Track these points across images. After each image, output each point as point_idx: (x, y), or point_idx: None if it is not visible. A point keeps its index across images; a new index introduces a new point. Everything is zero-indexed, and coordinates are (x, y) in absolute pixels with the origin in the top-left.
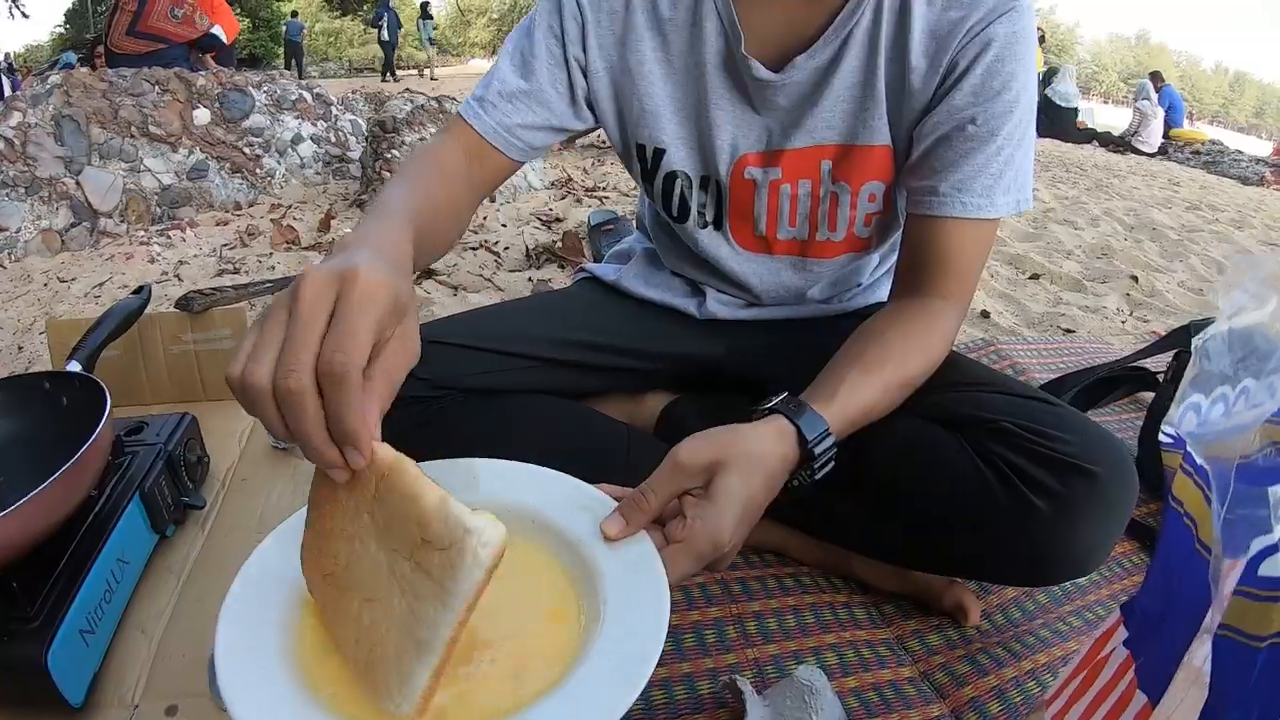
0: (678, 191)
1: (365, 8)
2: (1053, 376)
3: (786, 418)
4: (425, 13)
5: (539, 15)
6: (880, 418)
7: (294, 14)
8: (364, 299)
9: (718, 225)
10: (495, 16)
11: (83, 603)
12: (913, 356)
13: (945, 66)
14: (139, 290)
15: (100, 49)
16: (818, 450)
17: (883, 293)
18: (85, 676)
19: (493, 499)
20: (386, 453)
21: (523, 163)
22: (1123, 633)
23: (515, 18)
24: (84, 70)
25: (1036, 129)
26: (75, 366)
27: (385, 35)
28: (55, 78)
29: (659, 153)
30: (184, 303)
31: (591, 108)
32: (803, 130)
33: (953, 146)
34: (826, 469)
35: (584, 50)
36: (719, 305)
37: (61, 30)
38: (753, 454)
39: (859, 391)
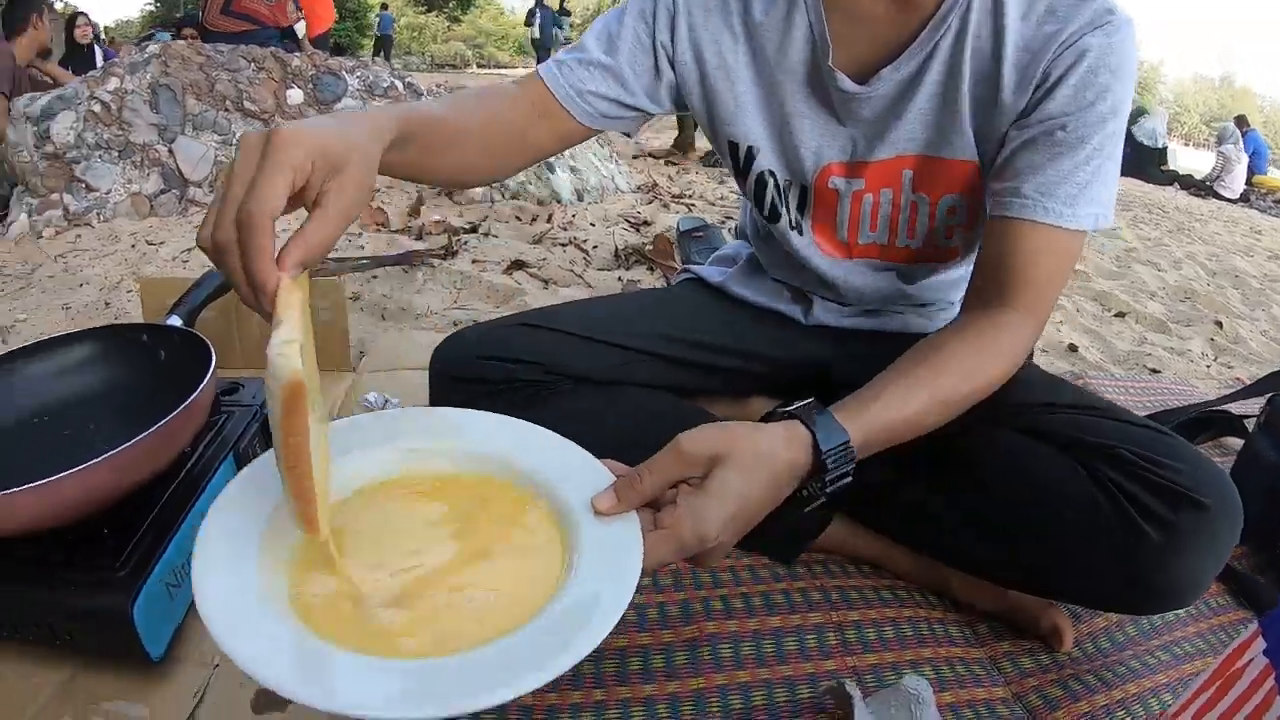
0: (769, 192)
1: (450, 5)
2: (1142, 415)
3: (803, 424)
4: (563, 8)
5: (632, 1)
6: (933, 429)
7: (384, 6)
8: (278, 152)
9: (802, 228)
10: (579, 20)
11: (171, 557)
12: (976, 370)
13: (1038, 78)
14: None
15: (188, 30)
16: (830, 463)
17: None
18: (167, 631)
19: (494, 458)
20: (288, 294)
21: (589, 130)
22: (1261, 644)
23: None
24: (181, 43)
25: (1120, 167)
26: (176, 321)
27: (537, 34)
28: (154, 47)
29: (751, 152)
30: None
31: (679, 98)
32: (886, 142)
33: (1040, 150)
34: (842, 483)
35: (673, 40)
36: (825, 312)
37: (151, 8)
38: (758, 453)
39: (898, 404)
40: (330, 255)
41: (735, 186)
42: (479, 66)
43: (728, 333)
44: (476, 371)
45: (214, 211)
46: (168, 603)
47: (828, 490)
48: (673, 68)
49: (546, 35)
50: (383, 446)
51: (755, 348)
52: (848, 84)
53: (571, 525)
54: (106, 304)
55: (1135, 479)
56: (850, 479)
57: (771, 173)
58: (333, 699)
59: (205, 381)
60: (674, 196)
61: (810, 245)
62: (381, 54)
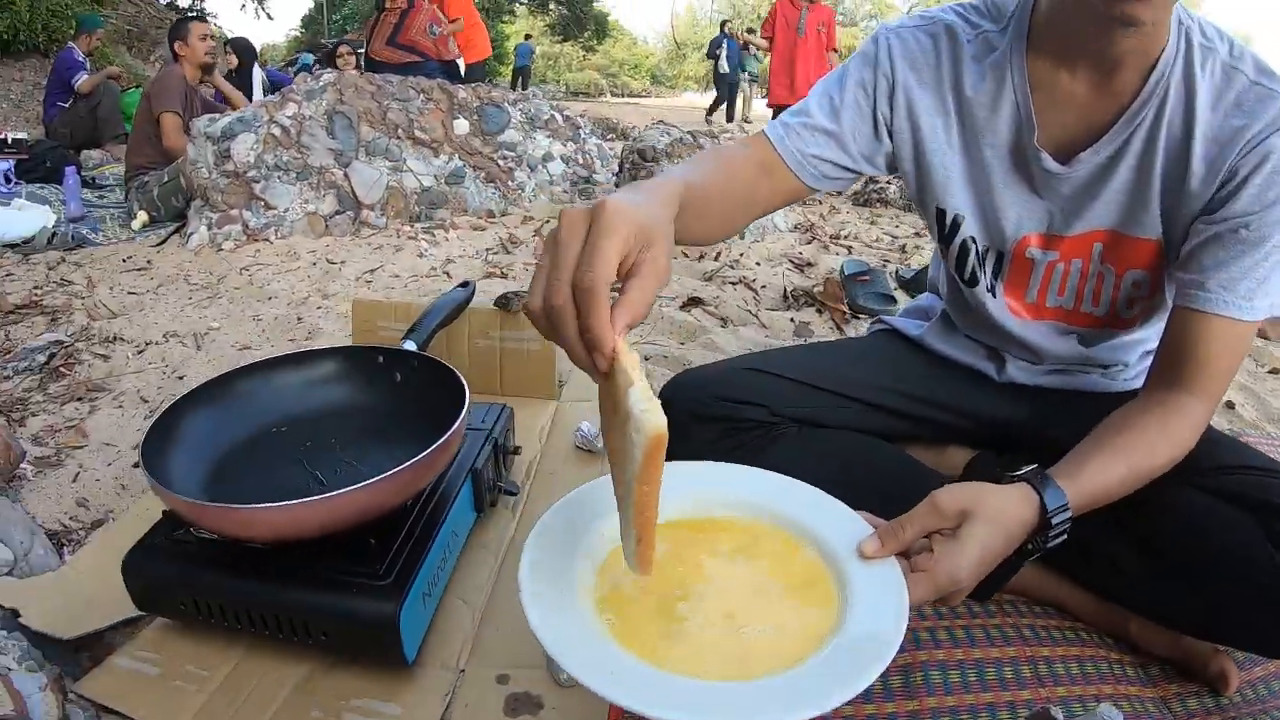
0: (970, 259)
1: (585, 35)
2: None
3: (1033, 487)
4: (746, 44)
5: (852, 67)
6: (1120, 498)
7: (527, 37)
8: (608, 225)
9: (995, 291)
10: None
11: (428, 567)
12: (1158, 447)
13: (1224, 173)
14: (464, 284)
15: (343, 50)
16: (1055, 520)
17: None
18: (418, 636)
19: (762, 505)
20: (628, 355)
21: (811, 190)
22: None
23: None
24: (354, 73)
25: None
26: (411, 346)
27: (725, 68)
28: (328, 76)
29: (956, 220)
30: (502, 301)
31: (893, 164)
32: (1081, 219)
33: (1224, 248)
34: (1059, 539)
35: (891, 111)
36: (1017, 370)
37: (297, 34)
38: (1000, 511)
39: (1101, 474)
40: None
41: (887, 228)
42: (612, 95)
43: (926, 385)
44: (713, 410)
45: (543, 281)
46: (422, 610)
47: (1047, 545)
48: (890, 137)
49: (733, 70)
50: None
51: (952, 401)
52: (1051, 164)
53: (838, 568)
54: (299, 319)
55: None
56: (1067, 536)
57: (974, 239)
58: (651, 708)
59: (464, 414)
60: (831, 237)
61: (1002, 307)
62: (520, 83)
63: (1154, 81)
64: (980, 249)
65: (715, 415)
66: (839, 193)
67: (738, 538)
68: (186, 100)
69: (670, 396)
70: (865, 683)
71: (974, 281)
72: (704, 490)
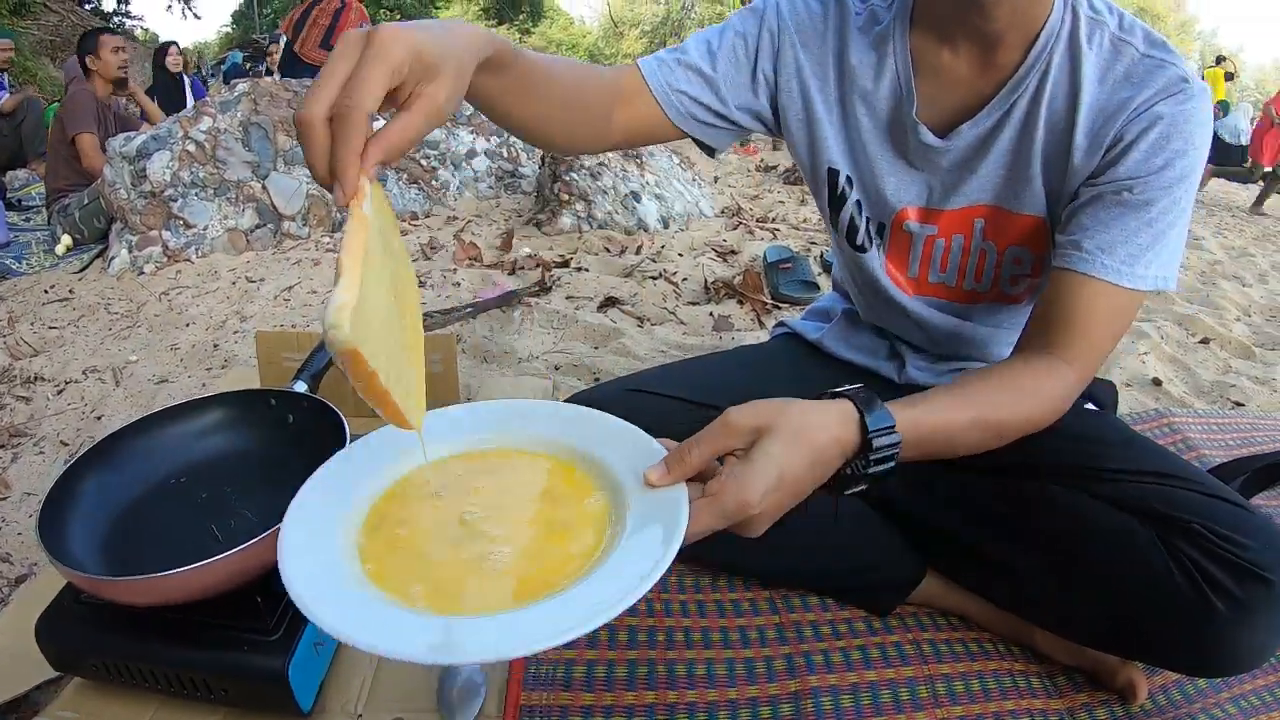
0: (861, 226)
1: (521, 18)
2: (1223, 455)
3: (854, 404)
4: None
5: (735, 19)
6: (965, 453)
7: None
8: (379, 50)
9: (879, 258)
10: (647, 29)
11: None
12: (1006, 405)
13: (1109, 141)
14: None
15: (274, 48)
16: (876, 443)
17: None
18: (314, 685)
19: (554, 439)
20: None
21: (675, 129)
22: None
23: (668, 30)
24: (269, 80)
25: (1210, 160)
26: (301, 387)
27: None
28: (243, 86)
29: (849, 181)
30: None
31: (776, 121)
32: (959, 193)
33: (1105, 208)
34: (884, 467)
35: (776, 69)
36: (916, 370)
37: (228, 30)
38: (803, 426)
39: (942, 412)
40: (437, 309)
41: (816, 207)
42: None
43: (821, 390)
44: None
45: (318, 86)
46: (314, 659)
47: (869, 472)
48: (774, 95)
49: None
50: (441, 438)
51: None
52: (929, 137)
53: (621, 499)
54: (215, 345)
55: (1209, 555)
56: (893, 465)
57: (859, 203)
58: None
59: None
60: (758, 221)
61: (884, 275)
62: None
63: (1035, 54)
64: (866, 215)
65: None
66: (732, 149)
67: (519, 472)
68: (100, 118)
69: None
70: (595, 623)
71: (864, 248)
72: (496, 427)
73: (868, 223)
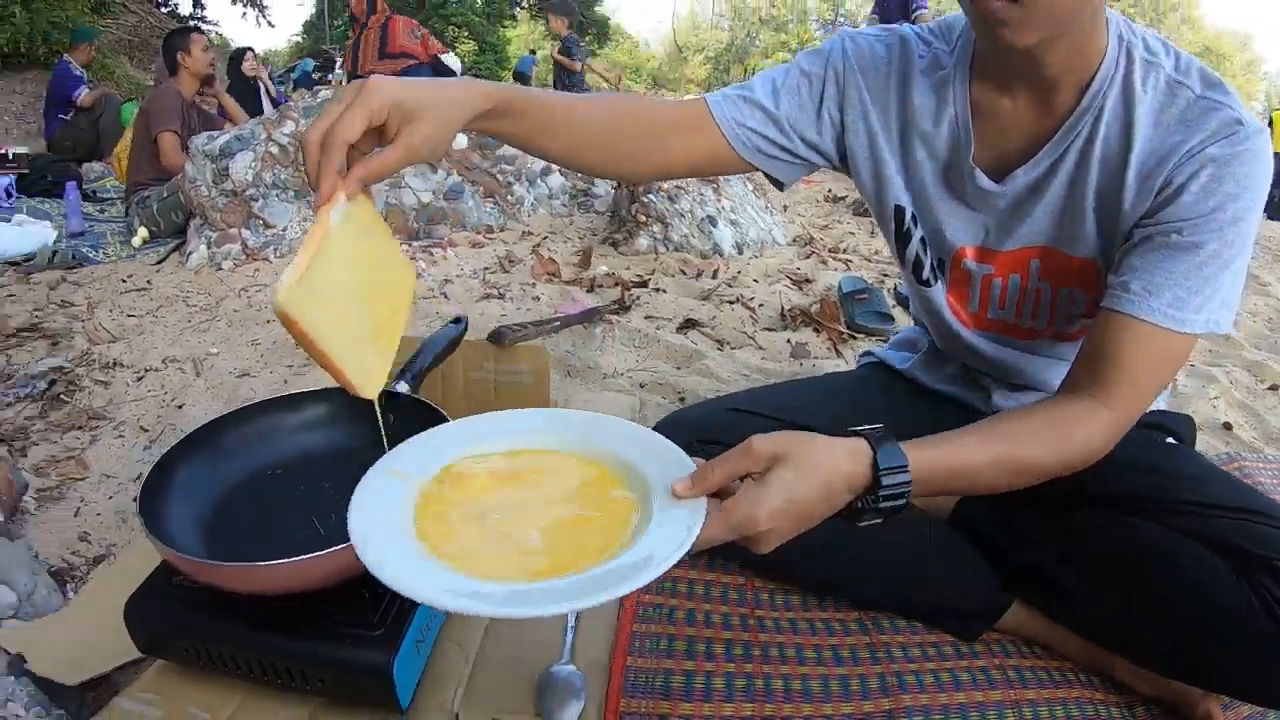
0: (927, 261)
1: (587, 39)
2: None
3: (868, 442)
4: None
5: (801, 59)
6: (990, 491)
7: (532, 52)
8: (360, 98)
9: (941, 291)
10: (711, 54)
11: (421, 616)
12: (1036, 446)
13: (1160, 185)
14: (457, 320)
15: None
16: (885, 481)
17: (1159, 404)
18: (413, 682)
19: (593, 445)
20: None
21: (742, 161)
22: None
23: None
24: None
25: (1268, 208)
26: (403, 387)
27: None
28: (326, 92)
29: (914, 218)
30: (496, 336)
31: (844, 157)
32: (1014, 235)
33: (1154, 250)
34: (894, 503)
35: (840, 108)
36: (1003, 400)
37: (299, 39)
38: (817, 460)
39: (963, 452)
40: (520, 321)
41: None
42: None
43: (914, 422)
44: (696, 455)
45: (319, 116)
46: (415, 656)
47: (880, 507)
48: (840, 135)
49: None
50: (510, 434)
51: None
52: (985, 182)
53: (648, 505)
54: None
55: None
56: (904, 502)
57: (924, 240)
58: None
59: None
60: (830, 251)
61: (947, 310)
62: None
63: (1089, 99)
64: (929, 250)
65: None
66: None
67: (562, 470)
68: (184, 116)
69: None
70: (612, 594)
71: (929, 283)
72: (553, 431)
73: (932, 258)
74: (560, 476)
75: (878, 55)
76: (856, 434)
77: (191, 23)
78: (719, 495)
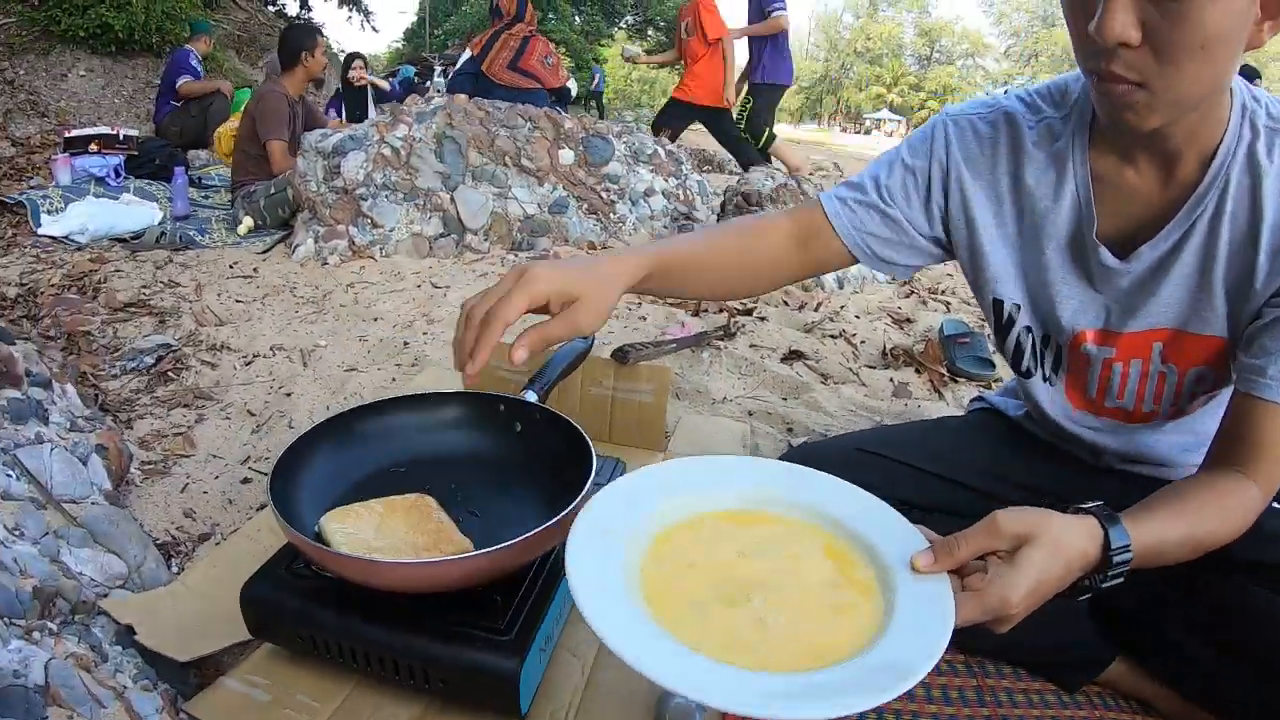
0: (1026, 351)
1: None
2: None
3: (1099, 521)
4: None
5: (904, 151)
6: (1165, 564)
7: (596, 60)
8: (521, 283)
9: (1053, 382)
10: (805, 84)
11: (548, 623)
12: (1212, 522)
13: None
14: (584, 336)
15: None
16: (1116, 560)
17: None
18: (533, 689)
19: (818, 508)
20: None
21: (851, 260)
22: None
23: (825, 87)
24: (463, 97)
25: None
26: (532, 396)
27: None
28: (439, 100)
29: (1014, 311)
30: (620, 354)
31: (948, 253)
32: (1139, 316)
33: None
34: (1116, 581)
35: (945, 198)
36: (1111, 458)
37: (399, 46)
38: (1060, 540)
39: (1161, 529)
40: (639, 342)
41: None
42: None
43: (1031, 471)
44: None
45: (482, 296)
46: (538, 664)
47: (1103, 586)
48: (945, 226)
49: None
50: (719, 487)
51: (1056, 487)
52: (1109, 259)
53: (887, 578)
54: (405, 343)
55: None
56: (1124, 579)
57: (1029, 329)
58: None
59: (593, 473)
60: (929, 291)
61: (1059, 398)
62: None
63: (1214, 170)
64: (1038, 339)
65: None
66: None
67: (791, 537)
68: (291, 118)
69: None
70: (887, 697)
71: (1029, 374)
72: (760, 487)
73: (1040, 347)
74: (791, 547)
75: (982, 136)
76: (1087, 512)
77: (301, 21)
78: (955, 572)
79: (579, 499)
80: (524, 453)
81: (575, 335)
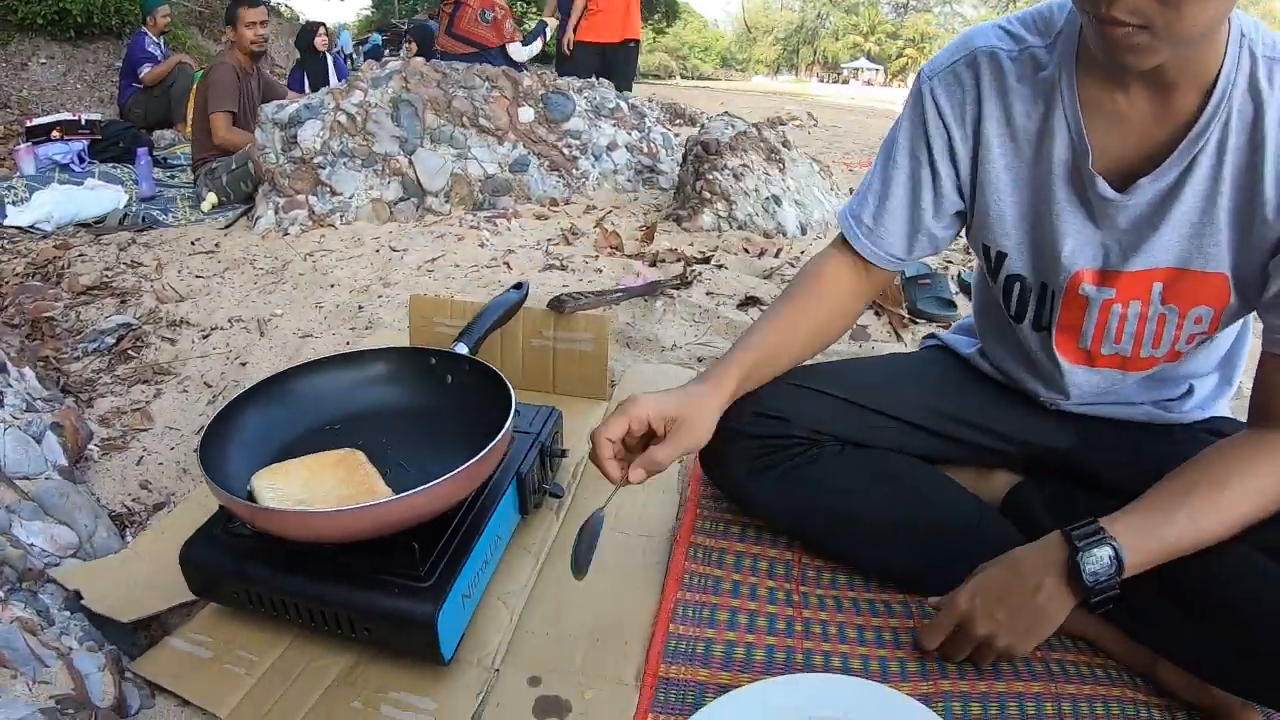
0: (1016, 293)
1: (656, 17)
2: None
3: (1063, 536)
4: None
5: (902, 136)
6: (1197, 549)
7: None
8: (622, 410)
9: (1047, 331)
10: (781, 35)
11: (468, 570)
12: (1260, 492)
13: None
14: (518, 286)
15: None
16: (1094, 587)
17: (1222, 406)
18: (456, 636)
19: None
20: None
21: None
22: None
23: (801, 39)
24: (420, 60)
25: None
26: (463, 349)
27: None
28: (394, 64)
29: (1001, 256)
30: (556, 303)
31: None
32: (1140, 254)
33: None
34: (1109, 595)
35: (954, 164)
36: (1066, 402)
37: (368, 13)
38: (1008, 555)
39: (1186, 527)
40: (591, 290)
41: None
42: (682, 78)
43: (974, 408)
44: (752, 428)
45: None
46: (460, 611)
47: (1093, 601)
48: (959, 190)
49: None
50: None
51: (999, 425)
52: (1107, 190)
53: None
54: (360, 307)
55: None
56: (1117, 592)
57: (1021, 276)
58: None
59: (510, 421)
60: None
61: (1048, 345)
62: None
63: (1215, 102)
64: (1029, 285)
65: (754, 433)
66: None
67: None
68: (241, 92)
69: None
70: None
71: (1020, 317)
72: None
73: (1030, 293)
74: None
75: (965, 85)
76: (1071, 534)
77: None
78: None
79: (490, 446)
80: (455, 405)
81: (684, 454)
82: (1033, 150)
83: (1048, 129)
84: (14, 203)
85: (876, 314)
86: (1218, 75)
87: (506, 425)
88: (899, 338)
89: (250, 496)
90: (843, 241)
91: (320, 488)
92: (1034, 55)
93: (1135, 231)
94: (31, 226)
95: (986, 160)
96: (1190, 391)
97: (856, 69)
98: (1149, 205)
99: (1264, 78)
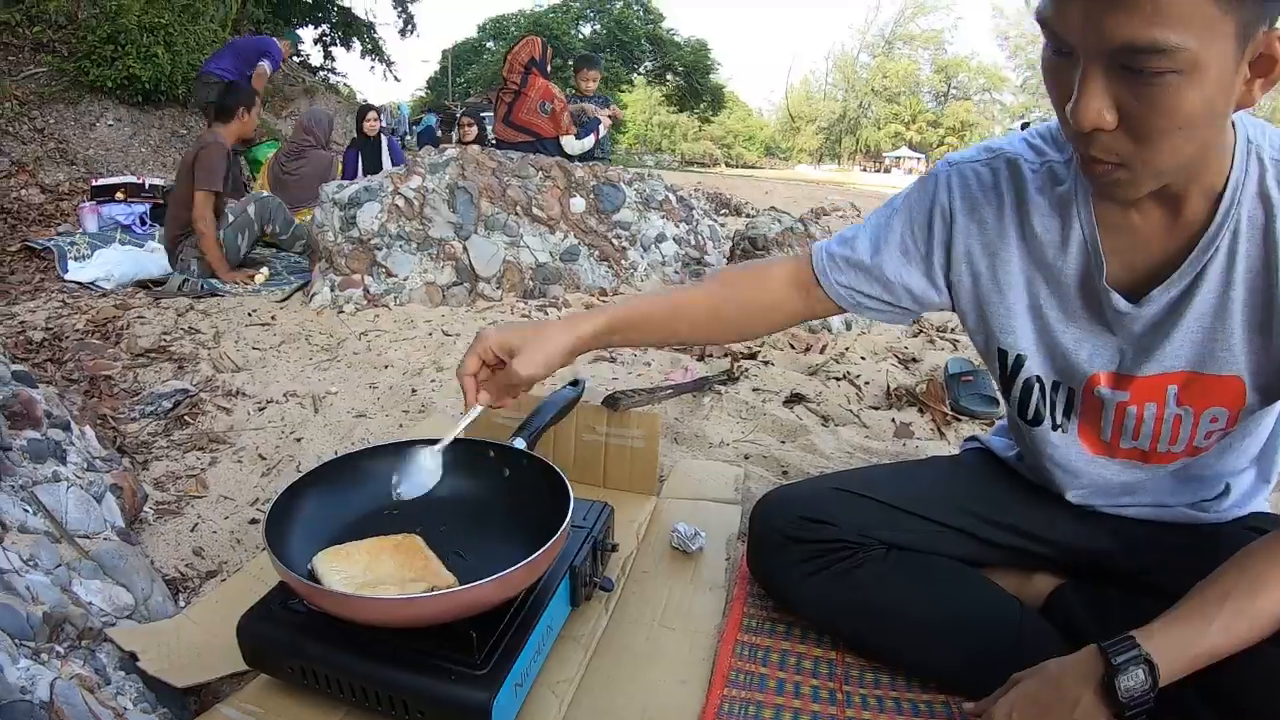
0: (1034, 398)
1: (701, 106)
2: None
3: (1106, 666)
4: None
5: (909, 200)
6: (1251, 644)
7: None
8: (476, 347)
9: (1066, 429)
10: (824, 125)
11: (523, 660)
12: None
13: None
14: (575, 383)
15: (465, 120)
16: (1128, 713)
17: (1259, 503)
18: None
19: None
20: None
21: (843, 310)
22: None
23: (844, 128)
24: (476, 148)
25: None
26: (521, 444)
27: None
28: (451, 151)
29: (1019, 360)
30: (610, 401)
31: (952, 305)
32: (1152, 359)
33: None
34: (1144, 709)
35: (948, 252)
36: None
37: (422, 94)
38: (1048, 666)
39: (1220, 635)
40: (634, 388)
41: None
42: (727, 165)
43: (1015, 511)
44: (800, 533)
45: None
46: (513, 701)
47: (1127, 715)
48: (947, 278)
49: None
50: None
51: (1040, 530)
52: (1121, 303)
53: None
54: (413, 390)
55: None
56: (1151, 705)
57: (1039, 378)
58: None
59: (569, 517)
60: (938, 330)
61: (1073, 444)
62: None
63: (1224, 210)
64: (1048, 386)
65: (802, 537)
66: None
67: None
68: (228, 171)
69: (760, 515)
70: None
71: (1038, 420)
72: None
73: (1050, 393)
74: None
75: (985, 183)
76: (1107, 650)
77: (320, 73)
78: None
79: (553, 539)
80: (511, 497)
81: (513, 382)
82: (1050, 259)
83: (1065, 241)
84: (76, 258)
85: (920, 412)
86: (1226, 182)
87: (566, 521)
88: (942, 435)
89: (311, 576)
90: (802, 260)
91: (381, 570)
92: (1052, 169)
93: (1148, 337)
94: (91, 283)
95: (1003, 264)
96: (1227, 490)
97: (899, 157)
98: (1161, 313)
99: (1273, 182)
